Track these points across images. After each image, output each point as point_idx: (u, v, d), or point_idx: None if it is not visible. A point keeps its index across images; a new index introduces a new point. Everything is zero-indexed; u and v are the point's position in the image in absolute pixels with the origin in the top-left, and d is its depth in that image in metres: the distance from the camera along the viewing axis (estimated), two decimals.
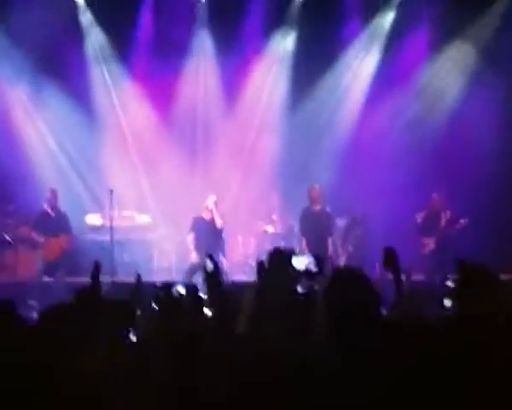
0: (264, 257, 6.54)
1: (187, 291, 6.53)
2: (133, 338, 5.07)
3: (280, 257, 6.18)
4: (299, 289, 6.10)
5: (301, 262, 6.45)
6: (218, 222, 13.35)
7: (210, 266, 5.75)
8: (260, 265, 6.10)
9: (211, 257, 5.92)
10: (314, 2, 15.15)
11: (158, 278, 13.72)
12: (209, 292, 5.82)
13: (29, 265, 13.83)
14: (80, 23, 15.43)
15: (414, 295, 7.18)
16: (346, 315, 3.84)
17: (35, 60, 14.81)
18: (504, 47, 14.15)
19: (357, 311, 3.84)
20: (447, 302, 6.64)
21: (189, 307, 5.79)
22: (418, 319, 4.61)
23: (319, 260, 6.65)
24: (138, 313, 6.66)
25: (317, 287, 6.10)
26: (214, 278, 5.72)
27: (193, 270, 13.01)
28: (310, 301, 5.14)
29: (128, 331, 5.12)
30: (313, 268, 6.44)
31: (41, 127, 15.50)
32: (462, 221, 13.74)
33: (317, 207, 13.66)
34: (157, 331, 4.95)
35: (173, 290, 6.40)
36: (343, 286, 3.89)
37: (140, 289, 7.21)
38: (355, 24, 15.57)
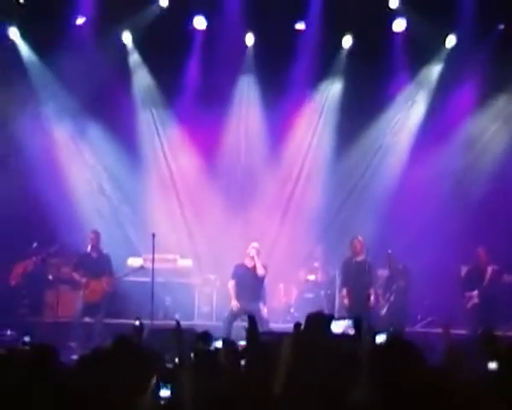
0: (304, 307, 6.64)
1: (224, 345, 6.54)
2: (166, 393, 5.11)
3: (317, 321, 6.21)
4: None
5: (339, 326, 6.57)
6: (260, 270, 13.34)
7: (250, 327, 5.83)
8: (297, 327, 6.19)
9: (252, 320, 6.01)
10: (361, 53, 15.26)
11: (199, 321, 14.00)
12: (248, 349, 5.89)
13: (70, 305, 14.04)
14: (129, 66, 15.81)
15: (454, 351, 7.14)
16: (391, 383, 3.95)
17: (82, 101, 15.21)
18: None
19: (401, 380, 3.94)
20: (492, 365, 6.58)
21: (226, 361, 5.79)
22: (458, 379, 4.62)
23: (357, 323, 6.75)
24: (176, 360, 6.69)
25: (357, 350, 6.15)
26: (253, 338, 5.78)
27: (233, 317, 13.09)
28: (351, 364, 5.15)
29: (160, 385, 5.15)
30: (351, 331, 6.56)
31: (86, 169, 15.88)
32: (506, 276, 13.87)
33: (360, 258, 13.73)
34: (193, 387, 4.91)
35: (211, 343, 6.45)
36: (388, 358, 3.98)
37: (179, 338, 7.24)
38: (402, 75, 15.63)
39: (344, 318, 7.84)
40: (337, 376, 4.68)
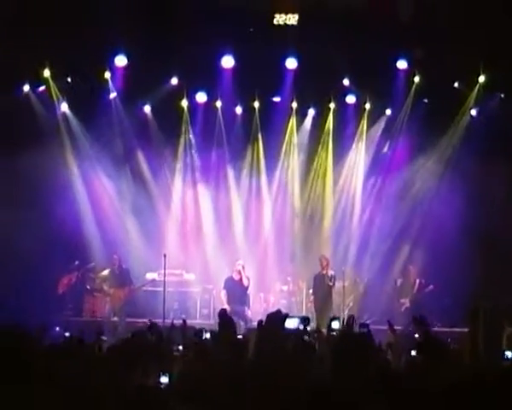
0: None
1: (212, 336, 7.17)
2: (165, 380, 5.19)
3: (275, 319, 6.67)
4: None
5: (292, 323, 7.09)
6: (245, 281, 14.08)
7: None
8: (259, 324, 6.68)
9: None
10: (322, 119, 15.98)
11: (200, 320, 14.40)
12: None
13: (102, 308, 14.88)
14: (149, 130, 16.00)
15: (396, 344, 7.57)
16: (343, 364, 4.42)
17: (114, 156, 15.66)
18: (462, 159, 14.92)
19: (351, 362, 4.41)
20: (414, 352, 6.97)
21: (213, 347, 6.43)
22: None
23: (305, 320, 7.35)
24: (180, 348, 7.20)
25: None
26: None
27: None
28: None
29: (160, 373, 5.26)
30: (301, 327, 7.11)
31: (115, 206, 16.01)
32: (429, 287, 14.59)
33: (325, 272, 14.36)
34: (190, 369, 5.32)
35: (203, 335, 7.07)
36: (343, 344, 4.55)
37: (185, 332, 7.77)
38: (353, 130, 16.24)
39: (295, 316, 8.03)
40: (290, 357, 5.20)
